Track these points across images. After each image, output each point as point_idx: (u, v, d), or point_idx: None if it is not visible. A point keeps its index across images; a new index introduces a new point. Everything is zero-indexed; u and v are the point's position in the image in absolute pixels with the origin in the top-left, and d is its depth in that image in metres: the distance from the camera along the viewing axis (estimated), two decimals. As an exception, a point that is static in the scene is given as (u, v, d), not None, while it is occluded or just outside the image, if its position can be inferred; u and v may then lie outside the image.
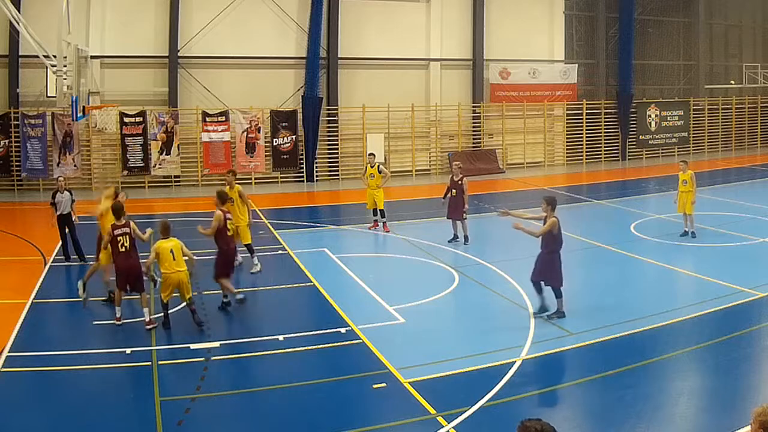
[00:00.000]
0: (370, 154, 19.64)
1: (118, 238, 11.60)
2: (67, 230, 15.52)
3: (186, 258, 11.55)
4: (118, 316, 11.67)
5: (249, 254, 14.93)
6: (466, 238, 17.20)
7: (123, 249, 11.59)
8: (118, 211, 11.76)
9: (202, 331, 11.28)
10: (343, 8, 28.34)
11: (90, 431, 8.32)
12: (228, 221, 12.65)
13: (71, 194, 15.58)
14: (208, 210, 21.44)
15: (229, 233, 12.64)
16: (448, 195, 17.29)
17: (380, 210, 18.67)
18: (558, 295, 11.71)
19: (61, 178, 16.23)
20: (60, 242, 15.74)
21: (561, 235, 11.77)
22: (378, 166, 18.82)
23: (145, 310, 11.59)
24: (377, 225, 18.83)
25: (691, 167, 17.72)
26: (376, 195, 18.55)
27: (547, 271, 11.68)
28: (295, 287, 13.91)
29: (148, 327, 11.41)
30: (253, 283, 14.26)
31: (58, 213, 15.33)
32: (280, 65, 28.08)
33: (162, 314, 11.52)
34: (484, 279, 14.29)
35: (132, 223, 11.82)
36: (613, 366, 9.85)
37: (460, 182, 17.09)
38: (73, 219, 15.52)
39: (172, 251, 11.40)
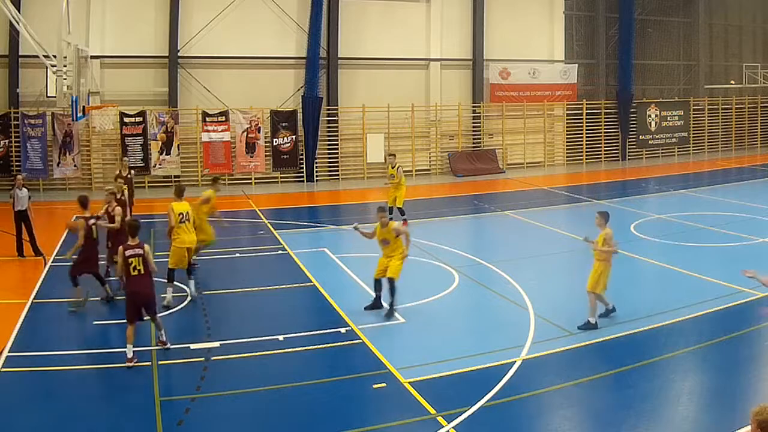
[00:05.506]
0: (391, 155, 20.59)
1: (130, 260, 10.06)
2: (23, 227, 15.85)
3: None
4: (130, 356, 9.87)
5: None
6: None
7: (136, 272, 10.10)
8: (133, 228, 10.39)
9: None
10: (343, 8, 28.33)
11: (90, 431, 8.33)
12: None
13: (29, 192, 15.96)
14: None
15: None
16: None
17: (398, 208, 19.22)
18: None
19: (19, 177, 16.49)
20: (16, 238, 15.87)
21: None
22: (398, 167, 19.45)
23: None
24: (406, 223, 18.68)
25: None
26: (398, 194, 19.20)
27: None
28: (295, 287, 13.90)
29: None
30: (254, 283, 14.26)
31: (16, 210, 15.60)
32: (280, 65, 28.07)
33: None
34: (484, 279, 14.29)
35: (146, 247, 10.25)
36: (613, 366, 9.85)
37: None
38: (30, 216, 15.86)
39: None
